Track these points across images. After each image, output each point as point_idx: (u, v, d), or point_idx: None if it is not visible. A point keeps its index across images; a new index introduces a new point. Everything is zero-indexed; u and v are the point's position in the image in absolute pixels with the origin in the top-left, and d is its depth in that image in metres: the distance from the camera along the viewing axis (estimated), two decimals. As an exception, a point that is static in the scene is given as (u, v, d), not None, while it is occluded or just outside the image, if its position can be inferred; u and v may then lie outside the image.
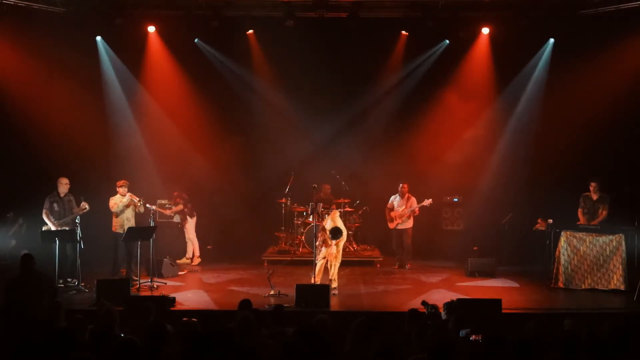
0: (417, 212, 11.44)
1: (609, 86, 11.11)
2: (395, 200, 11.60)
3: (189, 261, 11.71)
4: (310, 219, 11.30)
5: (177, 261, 11.29)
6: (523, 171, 12.22)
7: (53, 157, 11.12)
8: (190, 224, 11.73)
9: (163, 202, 11.79)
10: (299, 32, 11.45)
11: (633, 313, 8.15)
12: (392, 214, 11.54)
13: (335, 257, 9.57)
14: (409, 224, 11.51)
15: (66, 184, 9.76)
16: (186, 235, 11.77)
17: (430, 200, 11.33)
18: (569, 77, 11.51)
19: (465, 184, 12.77)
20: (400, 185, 11.54)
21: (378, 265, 11.70)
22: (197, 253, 11.79)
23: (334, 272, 9.51)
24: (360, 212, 12.41)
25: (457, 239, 12.49)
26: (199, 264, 11.65)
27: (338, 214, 9.89)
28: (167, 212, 11.65)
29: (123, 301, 7.54)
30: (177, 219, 11.76)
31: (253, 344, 4.66)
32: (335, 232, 9.29)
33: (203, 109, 12.47)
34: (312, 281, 9.26)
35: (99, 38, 12.22)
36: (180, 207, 11.60)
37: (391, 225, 11.63)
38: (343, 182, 12.34)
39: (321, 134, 12.99)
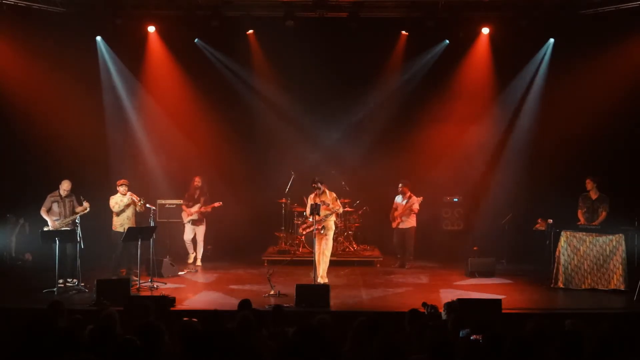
0: (416, 210, 11.45)
1: (609, 86, 11.10)
2: (397, 200, 11.66)
3: (195, 261, 11.65)
4: (310, 219, 11.30)
5: (189, 262, 11.38)
6: (523, 171, 12.22)
7: (53, 157, 11.12)
8: (204, 226, 11.68)
9: (177, 202, 11.74)
10: (299, 32, 11.44)
11: (633, 313, 8.15)
12: (395, 213, 11.60)
13: (323, 252, 9.66)
14: (410, 223, 11.53)
15: (68, 186, 9.75)
16: (198, 237, 11.64)
17: (421, 197, 11.44)
18: (569, 77, 11.52)
19: (465, 184, 12.78)
20: (400, 185, 11.58)
21: (378, 265, 11.71)
22: (200, 255, 11.74)
23: (322, 269, 9.70)
24: (360, 212, 12.41)
25: (457, 239, 12.49)
26: (199, 264, 11.63)
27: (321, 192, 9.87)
28: (194, 210, 11.47)
29: (123, 301, 7.54)
30: (191, 218, 11.53)
31: (253, 344, 4.65)
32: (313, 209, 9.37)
33: (203, 109, 12.45)
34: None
35: (99, 38, 12.21)
36: (204, 209, 11.52)
37: (393, 225, 11.67)
38: (343, 182, 12.33)
39: (321, 134, 12.99)
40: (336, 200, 9.99)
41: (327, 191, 9.99)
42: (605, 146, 11.44)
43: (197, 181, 11.55)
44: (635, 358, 4.62)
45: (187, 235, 11.65)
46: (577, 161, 11.31)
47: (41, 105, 11.30)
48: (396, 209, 11.62)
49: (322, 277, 9.77)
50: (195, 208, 11.48)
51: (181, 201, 11.71)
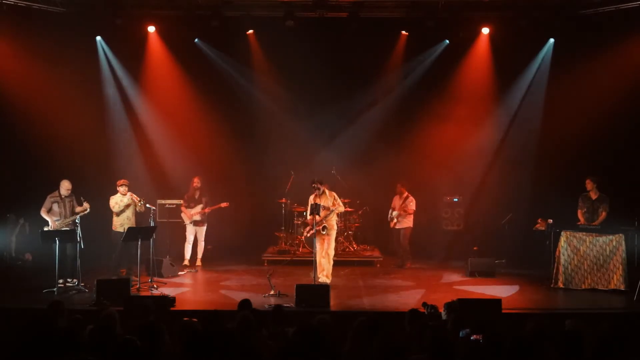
0: (411, 210, 11.46)
1: (609, 86, 11.10)
2: (396, 200, 11.66)
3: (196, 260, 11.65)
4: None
5: (197, 265, 11.37)
6: (523, 171, 12.22)
7: (53, 157, 11.10)
8: (205, 226, 11.67)
9: (177, 202, 11.72)
10: (299, 32, 11.45)
11: (633, 313, 8.15)
12: (393, 213, 11.60)
13: (326, 252, 9.66)
14: (405, 224, 11.54)
15: (68, 186, 9.75)
16: (199, 237, 11.59)
17: (413, 200, 11.50)
18: (569, 77, 11.52)
19: (465, 184, 12.78)
20: (398, 185, 11.61)
21: (378, 265, 11.71)
22: (200, 255, 11.73)
23: (327, 269, 9.73)
24: (360, 212, 12.41)
25: (457, 239, 12.49)
26: (198, 265, 11.62)
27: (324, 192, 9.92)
28: (194, 212, 11.40)
29: (123, 301, 7.54)
30: (190, 219, 11.50)
31: (253, 344, 4.66)
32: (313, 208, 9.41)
33: (203, 108, 12.45)
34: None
35: (99, 38, 12.22)
36: (208, 209, 11.51)
37: (390, 225, 11.70)
38: (343, 182, 12.32)
39: (321, 134, 12.98)
40: (336, 200, 9.97)
41: (327, 191, 9.97)
42: (605, 146, 11.43)
43: (196, 182, 11.52)
44: (635, 358, 4.62)
45: (190, 237, 11.54)
46: (577, 161, 11.32)
47: (41, 105, 11.27)
48: (394, 209, 11.63)
49: (327, 276, 9.74)
50: (197, 209, 11.44)
51: (181, 201, 11.68)
